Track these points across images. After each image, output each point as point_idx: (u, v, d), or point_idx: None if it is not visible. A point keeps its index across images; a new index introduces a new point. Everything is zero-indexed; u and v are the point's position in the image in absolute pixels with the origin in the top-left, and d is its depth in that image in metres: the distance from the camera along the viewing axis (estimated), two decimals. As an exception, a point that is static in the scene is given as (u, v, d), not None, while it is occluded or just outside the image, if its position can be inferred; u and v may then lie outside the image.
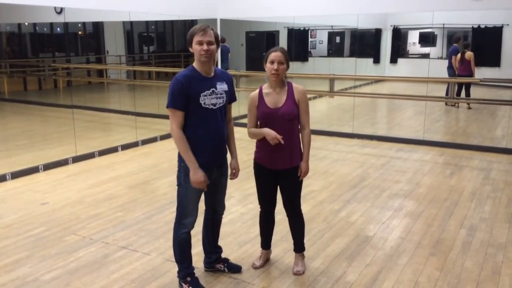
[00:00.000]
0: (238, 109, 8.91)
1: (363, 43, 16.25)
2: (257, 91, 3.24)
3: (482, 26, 13.12)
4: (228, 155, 3.20)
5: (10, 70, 12.91)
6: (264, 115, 3.16)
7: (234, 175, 3.23)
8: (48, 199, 4.99)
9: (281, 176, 3.25)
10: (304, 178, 3.29)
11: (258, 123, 3.23)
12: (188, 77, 2.90)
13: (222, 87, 3.02)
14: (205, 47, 2.85)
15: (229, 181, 3.28)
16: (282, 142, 3.08)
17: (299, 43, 15.24)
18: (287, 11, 8.78)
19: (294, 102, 3.15)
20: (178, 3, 8.53)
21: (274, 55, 3.09)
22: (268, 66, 3.12)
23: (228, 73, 3.22)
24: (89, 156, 6.68)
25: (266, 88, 3.21)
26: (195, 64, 2.97)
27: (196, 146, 2.96)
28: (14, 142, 7.72)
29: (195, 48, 2.88)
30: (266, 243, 3.53)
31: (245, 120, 9.68)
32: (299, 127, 3.25)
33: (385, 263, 3.56)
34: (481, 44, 12.46)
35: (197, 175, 2.90)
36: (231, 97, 3.12)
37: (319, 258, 3.62)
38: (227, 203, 3.53)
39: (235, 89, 9.38)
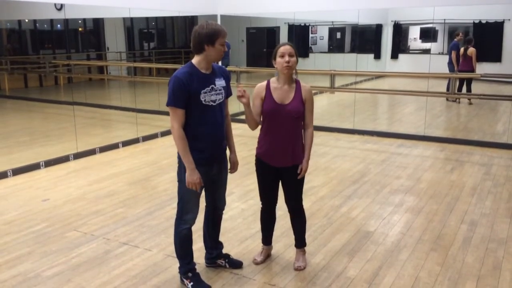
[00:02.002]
0: (238, 105, 8.91)
1: (364, 38, 16.22)
2: (265, 82, 3.21)
3: (483, 21, 13.09)
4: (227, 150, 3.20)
5: (11, 67, 12.92)
6: (270, 110, 3.13)
7: (233, 169, 3.24)
8: (49, 196, 5.00)
9: (283, 173, 3.24)
10: (305, 174, 3.28)
11: (262, 117, 3.20)
12: (188, 75, 2.89)
13: (220, 83, 3.02)
14: (225, 48, 2.95)
15: (229, 177, 3.28)
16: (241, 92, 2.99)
17: (300, 39, 15.24)
18: (288, 7, 8.75)
19: (301, 101, 3.14)
20: (178, -1, 8.51)
21: (283, 48, 3.08)
22: (278, 60, 3.08)
23: (224, 68, 3.22)
24: (90, 152, 6.69)
25: (274, 83, 3.18)
26: (194, 61, 2.96)
27: (197, 143, 2.95)
28: (15, 139, 7.73)
29: (218, 48, 2.90)
30: (267, 239, 3.54)
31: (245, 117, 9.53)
32: (303, 125, 3.24)
33: (386, 258, 3.56)
34: (482, 39, 12.43)
35: (193, 176, 2.91)
36: (227, 92, 3.12)
37: (320, 254, 3.63)
38: (228, 199, 3.53)
39: (237, 85, 9.37)
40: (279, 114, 3.11)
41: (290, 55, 3.06)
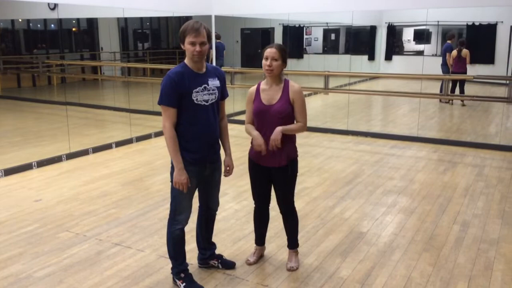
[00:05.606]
0: (233, 106, 8.92)
1: (358, 40, 16.27)
2: (255, 86, 3.25)
3: (477, 24, 13.17)
4: (222, 152, 3.20)
5: (4, 67, 12.82)
6: (257, 111, 3.16)
7: (228, 172, 3.23)
8: (42, 196, 4.97)
9: (273, 173, 3.24)
10: (298, 173, 3.32)
11: (253, 118, 3.23)
12: (180, 74, 2.89)
13: (214, 83, 3.01)
14: (197, 48, 2.84)
15: (223, 178, 3.27)
16: (264, 153, 3.09)
17: (294, 40, 15.25)
18: (282, 8, 8.77)
19: (287, 101, 3.14)
20: (173, -1, 8.49)
21: (268, 51, 3.10)
22: (263, 62, 3.12)
23: (220, 69, 3.21)
24: (83, 153, 6.66)
25: (263, 84, 3.22)
26: (186, 61, 2.96)
27: (189, 143, 2.95)
28: (8, 139, 7.68)
29: (187, 47, 2.87)
30: (260, 239, 3.54)
31: (239, 117, 9.62)
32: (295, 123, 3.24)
33: (378, 259, 3.57)
34: (475, 41, 12.51)
35: (180, 176, 2.90)
36: (223, 93, 3.12)
37: (312, 254, 3.63)
38: (221, 199, 3.53)
39: (230, 86, 9.29)
40: (266, 114, 3.12)
41: (273, 59, 3.07)
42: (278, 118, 3.11)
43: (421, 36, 14.31)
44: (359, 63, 14.44)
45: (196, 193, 3.20)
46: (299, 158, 3.32)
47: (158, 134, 7.76)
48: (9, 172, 5.71)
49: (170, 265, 3.22)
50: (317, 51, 16.47)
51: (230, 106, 8.64)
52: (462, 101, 10.59)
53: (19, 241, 3.89)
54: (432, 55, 13.73)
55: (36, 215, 4.44)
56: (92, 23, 14.49)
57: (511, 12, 11.80)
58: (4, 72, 12.89)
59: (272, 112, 3.12)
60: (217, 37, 9.85)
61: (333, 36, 16.83)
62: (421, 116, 8.70)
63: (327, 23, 15.69)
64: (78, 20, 14.27)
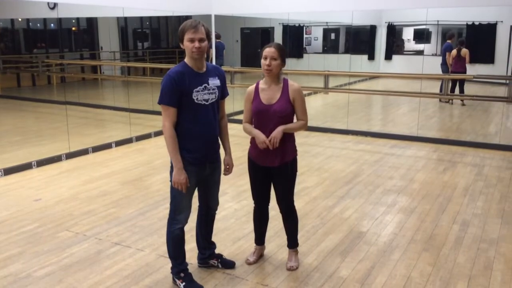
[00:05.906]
0: (233, 105, 8.91)
1: (358, 39, 16.26)
2: (254, 85, 3.24)
3: (476, 23, 13.16)
4: (222, 151, 3.19)
5: (3, 66, 12.81)
6: (257, 111, 3.16)
7: (228, 171, 3.23)
8: (41, 196, 4.97)
9: (272, 173, 3.24)
10: (298, 173, 3.33)
11: (252, 118, 3.23)
12: (180, 73, 2.88)
13: (214, 82, 3.01)
14: (196, 44, 2.85)
15: (222, 177, 3.27)
16: (271, 148, 3.08)
17: (294, 39, 15.25)
18: (282, 7, 8.77)
19: (288, 100, 3.14)
20: (172, -1, 8.49)
21: (267, 50, 3.09)
22: (262, 62, 3.11)
23: (220, 68, 3.20)
24: (83, 152, 6.66)
25: (262, 84, 3.21)
26: (187, 60, 2.96)
27: (189, 142, 2.95)
28: (7, 138, 7.68)
29: (186, 45, 2.87)
30: (260, 238, 3.54)
31: (239, 117, 9.63)
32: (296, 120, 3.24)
33: (378, 258, 3.57)
34: (475, 41, 12.52)
35: (179, 176, 2.90)
36: (223, 92, 3.11)
37: (312, 254, 3.63)
38: (221, 199, 3.53)
39: (230, 85, 9.29)
40: (266, 114, 3.12)
41: (272, 58, 3.07)
42: (278, 117, 3.11)
43: (421, 35, 14.31)
44: (359, 62, 14.42)
45: (196, 193, 3.20)
46: (298, 158, 3.33)
47: (158, 133, 7.76)
48: (8, 171, 5.71)
49: (170, 265, 3.22)
50: (317, 50, 16.47)
51: (230, 105, 8.64)
52: (462, 100, 10.58)
53: (19, 240, 3.89)
54: (432, 55, 13.72)
55: (36, 215, 4.43)
56: (91, 22, 14.48)
57: (511, 12, 11.80)
58: (3, 71, 12.88)
59: (272, 112, 3.11)
60: (217, 36, 9.84)
61: (333, 36, 16.83)
62: (421, 116, 8.70)
63: (327, 22, 15.69)
64: (77, 19, 14.27)
